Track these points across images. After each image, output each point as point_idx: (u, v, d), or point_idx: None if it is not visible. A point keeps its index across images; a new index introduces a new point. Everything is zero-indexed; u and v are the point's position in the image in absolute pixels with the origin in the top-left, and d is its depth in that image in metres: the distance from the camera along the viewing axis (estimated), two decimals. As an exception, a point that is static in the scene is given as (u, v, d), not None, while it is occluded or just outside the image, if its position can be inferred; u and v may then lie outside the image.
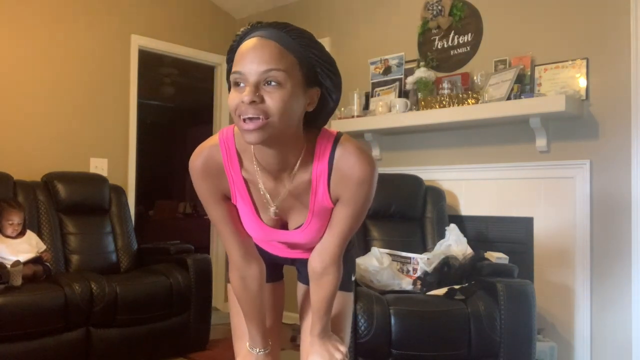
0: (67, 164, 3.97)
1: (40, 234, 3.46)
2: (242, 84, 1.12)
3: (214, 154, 1.28)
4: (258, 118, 1.10)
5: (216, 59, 4.99)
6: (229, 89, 1.19)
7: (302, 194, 1.29)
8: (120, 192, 4.04)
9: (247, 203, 1.33)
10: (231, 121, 5.12)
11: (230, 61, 1.20)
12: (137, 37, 4.46)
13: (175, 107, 8.91)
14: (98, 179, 3.96)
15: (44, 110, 3.98)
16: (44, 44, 3.98)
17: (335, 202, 1.29)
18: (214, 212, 1.35)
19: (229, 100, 1.14)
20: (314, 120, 1.25)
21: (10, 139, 3.80)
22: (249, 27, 1.17)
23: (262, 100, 1.10)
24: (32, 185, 3.65)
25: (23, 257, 3.09)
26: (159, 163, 9.04)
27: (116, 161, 4.32)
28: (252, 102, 1.09)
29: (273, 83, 1.10)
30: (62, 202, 3.71)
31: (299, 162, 1.25)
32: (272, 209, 1.31)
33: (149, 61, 5.10)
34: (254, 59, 1.10)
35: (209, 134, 5.09)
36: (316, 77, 1.18)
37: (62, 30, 4.07)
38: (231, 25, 5.09)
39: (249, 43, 1.13)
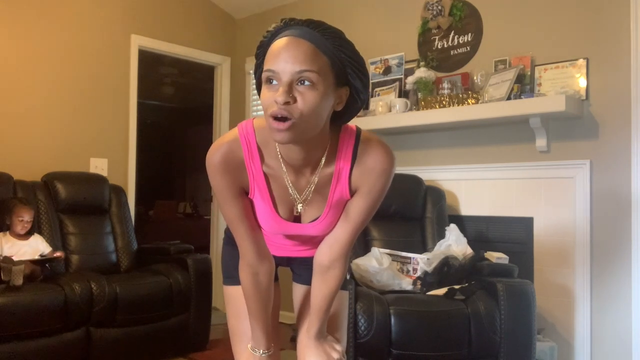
0: (67, 164, 3.97)
1: (40, 234, 3.45)
2: (274, 82, 1.12)
3: (234, 149, 1.28)
4: (289, 118, 1.10)
5: (216, 59, 5.00)
6: (257, 85, 1.21)
7: (323, 188, 1.31)
8: (120, 192, 4.05)
9: (265, 197, 1.32)
10: (232, 121, 5.13)
11: (259, 57, 1.20)
12: (137, 37, 4.46)
13: (175, 107, 8.91)
14: (98, 179, 3.96)
15: (43, 110, 3.98)
16: (44, 44, 3.98)
17: (352, 194, 1.31)
18: (231, 208, 1.34)
19: (262, 97, 1.14)
20: (339, 118, 1.26)
21: (10, 139, 3.80)
22: (281, 23, 1.17)
23: (295, 101, 1.11)
24: (32, 185, 3.65)
25: (24, 259, 3.10)
26: (159, 163, 9.04)
27: (116, 161, 4.33)
28: (286, 103, 1.10)
29: (306, 83, 1.11)
30: (62, 202, 3.71)
31: (324, 157, 1.26)
32: (300, 205, 1.32)
33: (149, 61, 5.11)
34: (287, 58, 1.11)
35: (209, 134, 5.10)
36: (346, 77, 1.19)
37: (62, 30, 4.08)
38: (231, 25, 5.10)
39: (283, 41, 1.14)
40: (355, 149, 1.27)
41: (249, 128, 1.29)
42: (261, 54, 1.19)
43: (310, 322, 1.48)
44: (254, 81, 1.24)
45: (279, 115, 1.10)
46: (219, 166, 1.28)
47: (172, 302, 3.46)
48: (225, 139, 1.29)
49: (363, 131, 1.30)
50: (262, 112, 1.18)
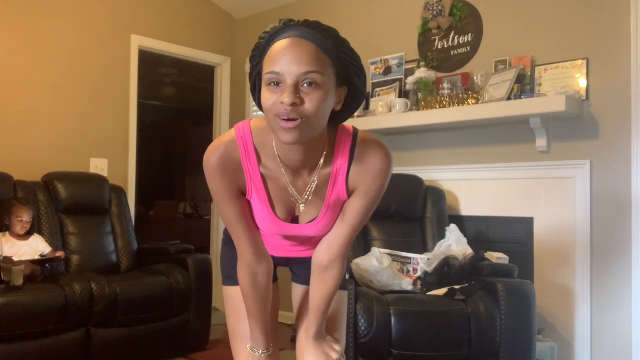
0: (67, 164, 3.97)
1: (40, 234, 3.45)
2: (278, 84, 1.11)
3: (231, 150, 1.27)
4: (296, 119, 1.10)
5: (216, 59, 4.99)
6: (253, 87, 1.20)
7: (320, 188, 1.31)
8: (120, 192, 4.05)
9: (262, 198, 1.32)
10: (231, 121, 5.13)
11: (255, 58, 1.19)
12: (137, 37, 4.46)
13: (175, 107, 8.91)
14: (98, 179, 3.96)
15: (44, 110, 3.98)
16: (44, 43, 3.98)
17: (349, 194, 1.31)
18: (229, 209, 1.33)
19: (264, 100, 1.13)
20: (336, 118, 1.26)
21: (10, 139, 3.80)
22: (281, 25, 1.16)
23: (302, 102, 1.10)
24: (32, 185, 3.64)
25: (24, 259, 3.10)
26: (159, 163, 9.04)
27: (116, 161, 4.33)
28: (293, 104, 1.09)
29: (311, 84, 1.10)
30: (62, 202, 3.71)
31: (322, 158, 1.26)
32: (301, 206, 1.32)
33: (149, 61, 5.10)
34: (291, 59, 1.10)
35: (209, 134, 5.10)
36: (346, 76, 1.19)
37: (62, 30, 4.08)
38: (231, 25, 5.10)
39: (285, 42, 1.13)
40: (352, 149, 1.27)
41: (245, 129, 1.28)
42: (257, 55, 1.18)
43: (308, 322, 1.48)
44: None
45: (286, 117, 1.10)
46: (216, 167, 1.27)
47: (172, 302, 3.46)
48: (222, 140, 1.29)
49: (360, 131, 1.30)
50: (262, 113, 1.17)
